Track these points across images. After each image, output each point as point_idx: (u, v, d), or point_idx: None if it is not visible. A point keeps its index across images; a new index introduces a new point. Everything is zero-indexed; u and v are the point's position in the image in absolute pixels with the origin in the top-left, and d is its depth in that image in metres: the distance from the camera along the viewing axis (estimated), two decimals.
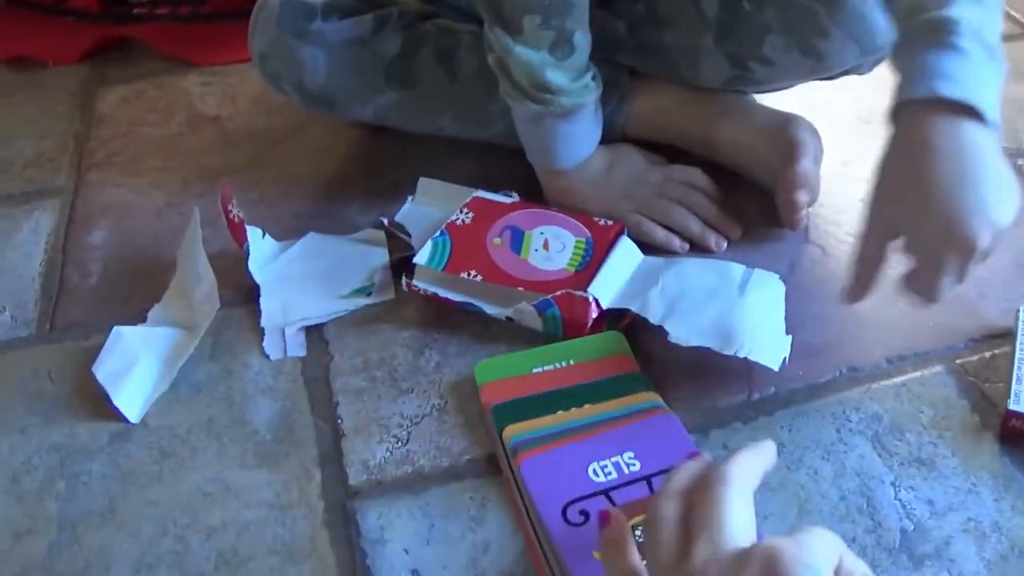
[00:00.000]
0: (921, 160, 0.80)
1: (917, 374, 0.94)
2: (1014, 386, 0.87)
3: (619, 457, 0.82)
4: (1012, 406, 0.86)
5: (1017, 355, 0.90)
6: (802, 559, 0.55)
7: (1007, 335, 0.96)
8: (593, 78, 1.05)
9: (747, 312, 0.94)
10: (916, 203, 0.81)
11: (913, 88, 0.82)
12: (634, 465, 0.82)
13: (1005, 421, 0.87)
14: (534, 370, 0.91)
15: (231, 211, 1.05)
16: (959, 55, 0.81)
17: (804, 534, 0.58)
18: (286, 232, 1.12)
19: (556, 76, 1.01)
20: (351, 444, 0.89)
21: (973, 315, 1.00)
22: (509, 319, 0.97)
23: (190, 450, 0.89)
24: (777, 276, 0.99)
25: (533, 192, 1.13)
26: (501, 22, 1.00)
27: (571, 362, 0.92)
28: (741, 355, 0.89)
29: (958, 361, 0.95)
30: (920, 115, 0.81)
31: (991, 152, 0.80)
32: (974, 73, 0.81)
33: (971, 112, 0.80)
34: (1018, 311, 0.95)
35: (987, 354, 0.96)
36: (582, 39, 1.01)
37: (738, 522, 0.60)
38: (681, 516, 0.61)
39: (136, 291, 1.07)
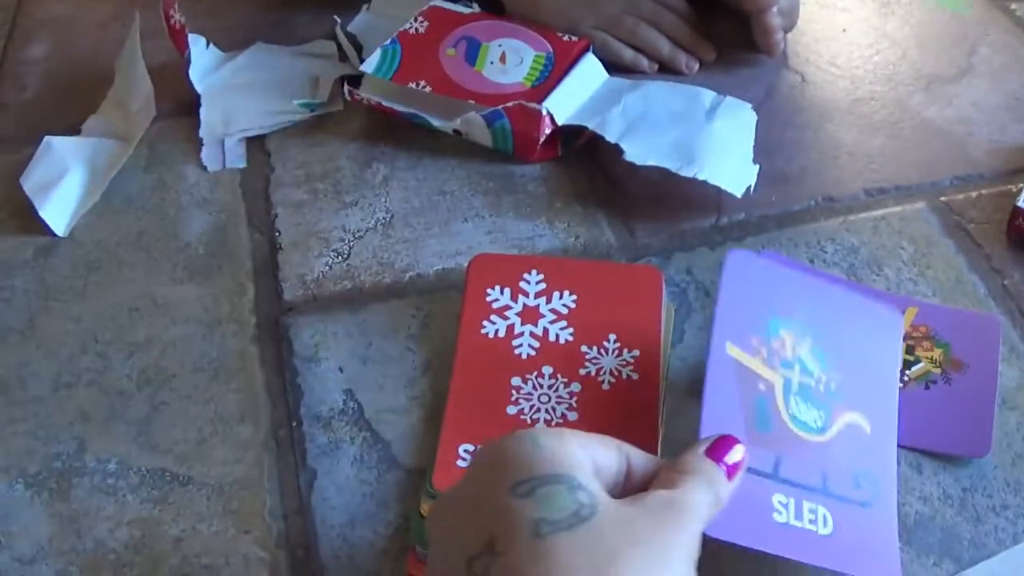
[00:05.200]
0: None
1: (898, 208, 0.90)
2: None
3: None
4: (1021, 203, 0.85)
5: None
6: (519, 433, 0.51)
7: (995, 178, 0.93)
8: None
9: (712, 137, 0.89)
10: None
11: None
12: None
13: (1012, 219, 0.86)
14: None
15: (173, 16, 0.99)
16: None
17: None
18: (233, 44, 1.06)
19: None
20: (288, 258, 0.85)
21: (960, 152, 0.96)
22: (457, 132, 0.92)
23: (118, 264, 0.85)
24: (749, 106, 0.93)
25: (496, 6, 1.06)
26: None
27: None
28: (700, 177, 0.84)
29: (942, 198, 0.91)
30: None
31: None
32: None
33: None
34: None
35: (973, 194, 0.91)
36: None
37: None
38: None
39: (73, 104, 1.01)
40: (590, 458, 0.51)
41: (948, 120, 1.00)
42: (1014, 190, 0.89)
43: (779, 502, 0.59)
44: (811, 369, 0.66)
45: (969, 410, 0.73)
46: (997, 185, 0.92)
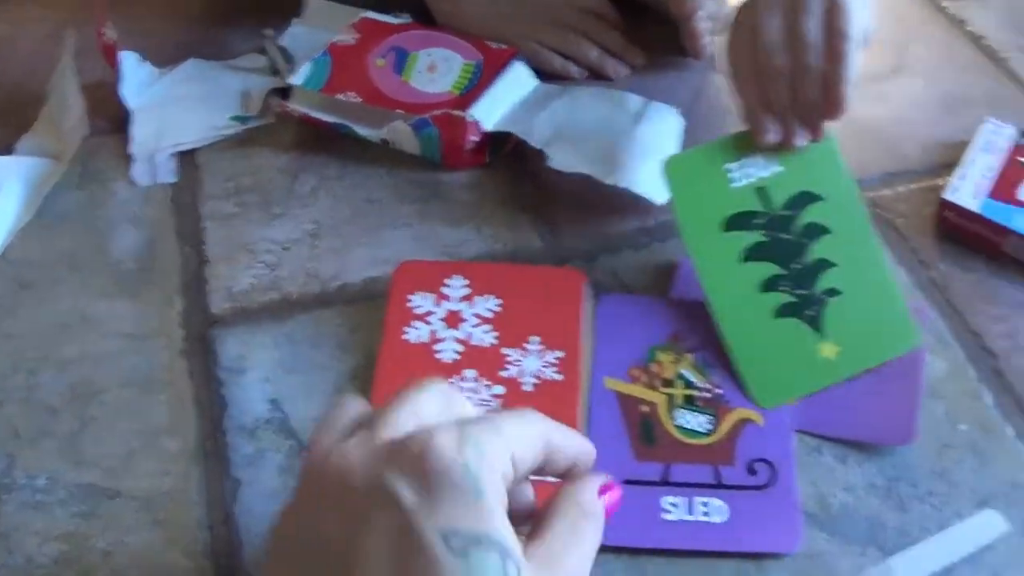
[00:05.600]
0: None
1: None
2: (954, 181, 0.87)
3: None
4: (947, 196, 0.86)
5: (968, 156, 0.90)
6: (463, 457, 0.44)
7: (926, 172, 0.95)
8: None
9: (637, 143, 0.89)
10: None
11: None
12: None
13: (940, 211, 0.88)
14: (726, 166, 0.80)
15: (105, 33, 0.99)
16: None
17: (496, 418, 0.47)
18: (167, 60, 1.06)
19: None
20: (216, 271, 0.85)
21: (892, 149, 0.97)
22: (385, 141, 0.93)
23: (50, 282, 0.85)
24: (675, 111, 0.94)
25: (430, 18, 1.07)
26: None
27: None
28: (622, 185, 0.85)
29: (870, 195, 0.92)
30: None
31: None
32: None
33: None
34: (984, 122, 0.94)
35: (902, 189, 0.93)
36: None
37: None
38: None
39: (7, 123, 1.00)
40: (511, 475, 0.46)
41: (881, 118, 1.01)
42: (942, 183, 0.90)
43: (670, 503, 0.67)
44: (694, 381, 0.74)
45: (895, 398, 0.74)
46: (927, 180, 0.93)
